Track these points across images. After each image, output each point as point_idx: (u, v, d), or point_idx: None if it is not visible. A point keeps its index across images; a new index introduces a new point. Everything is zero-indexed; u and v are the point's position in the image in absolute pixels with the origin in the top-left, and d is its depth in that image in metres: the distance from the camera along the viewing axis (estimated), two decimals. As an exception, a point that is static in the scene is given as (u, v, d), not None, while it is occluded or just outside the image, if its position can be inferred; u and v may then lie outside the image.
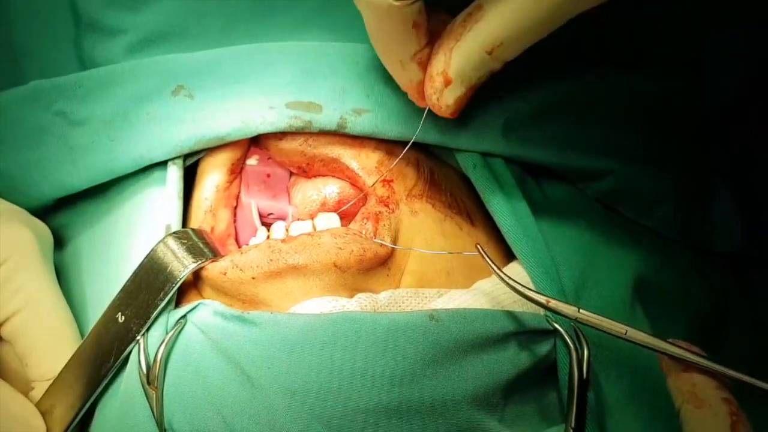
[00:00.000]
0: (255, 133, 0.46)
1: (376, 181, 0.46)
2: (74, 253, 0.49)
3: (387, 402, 0.38)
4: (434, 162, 0.49)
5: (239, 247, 0.47)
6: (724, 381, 0.37)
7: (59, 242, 0.50)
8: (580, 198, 0.50)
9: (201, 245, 0.44)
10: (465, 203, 0.48)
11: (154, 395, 0.40)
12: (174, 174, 0.46)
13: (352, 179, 0.47)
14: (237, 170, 0.48)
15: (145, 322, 0.41)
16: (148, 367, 0.40)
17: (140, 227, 0.45)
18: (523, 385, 0.41)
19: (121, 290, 0.42)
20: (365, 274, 0.43)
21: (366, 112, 0.46)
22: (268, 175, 0.49)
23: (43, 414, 0.43)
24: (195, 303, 0.42)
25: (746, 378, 0.37)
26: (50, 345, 0.43)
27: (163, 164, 0.47)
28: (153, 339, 0.41)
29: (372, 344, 0.39)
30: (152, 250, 0.43)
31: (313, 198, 0.48)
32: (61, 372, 0.42)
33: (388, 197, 0.45)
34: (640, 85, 0.51)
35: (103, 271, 0.46)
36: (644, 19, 0.50)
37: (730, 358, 0.49)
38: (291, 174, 0.50)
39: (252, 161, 0.49)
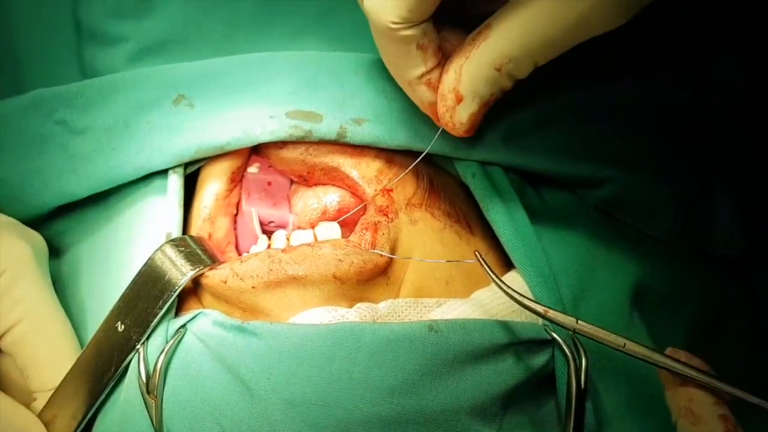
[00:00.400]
0: (255, 143, 0.46)
1: (375, 194, 0.46)
2: (74, 260, 0.49)
3: (386, 413, 0.38)
4: (433, 170, 0.49)
5: (239, 255, 0.47)
6: (723, 396, 0.37)
7: (59, 249, 0.50)
8: (579, 205, 0.51)
9: (199, 252, 0.44)
10: (464, 212, 0.48)
11: (154, 404, 0.40)
12: (174, 182, 0.46)
13: (352, 188, 0.47)
14: (237, 179, 0.48)
15: (145, 331, 0.41)
16: (148, 377, 0.40)
17: (141, 235, 0.46)
18: (522, 396, 0.41)
19: (120, 299, 0.43)
20: (365, 285, 0.43)
21: (366, 122, 0.46)
22: (269, 183, 0.49)
23: (46, 425, 0.43)
24: (195, 312, 0.42)
25: (742, 394, 0.37)
26: (51, 355, 0.43)
27: (163, 173, 0.47)
28: (153, 348, 0.41)
29: (371, 355, 0.39)
30: (150, 258, 0.43)
31: (314, 206, 0.48)
32: (62, 382, 0.43)
33: (387, 206, 0.46)
34: (639, 93, 0.51)
35: (103, 280, 0.46)
36: (645, 27, 0.50)
37: (730, 363, 0.49)
38: (292, 182, 0.50)
39: (253, 169, 0.49)
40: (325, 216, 0.47)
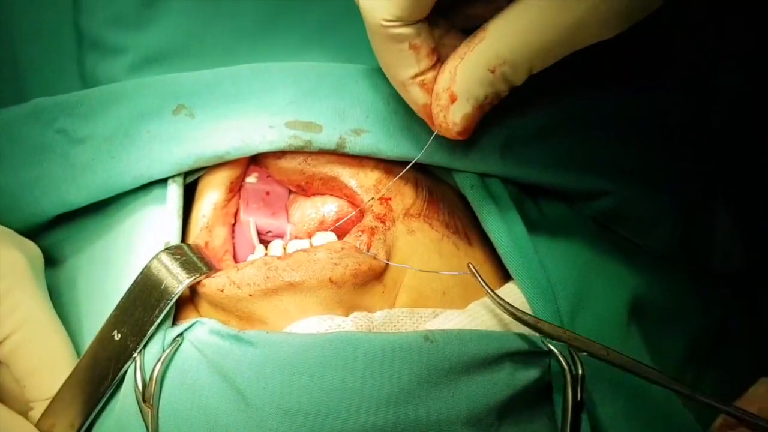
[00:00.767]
0: (254, 152, 0.46)
1: (372, 199, 0.46)
2: (73, 269, 0.49)
3: (382, 422, 0.38)
4: (432, 181, 0.49)
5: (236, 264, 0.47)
6: None
7: (58, 258, 0.51)
8: (577, 217, 0.51)
9: (196, 260, 0.44)
10: (462, 223, 0.48)
11: (150, 413, 0.40)
12: (174, 192, 0.46)
13: (351, 197, 0.47)
14: (236, 188, 0.48)
15: (141, 340, 0.41)
16: (144, 385, 0.40)
17: (139, 244, 0.46)
18: (518, 406, 0.41)
19: (117, 308, 0.43)
20: (361, 290, 0.43)
21: (365, 132, 0.46)
22: (268, 193, 0.49)
23: None
24: (192, 321, 0.42)
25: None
26: (48, 364, 0.43)
27: (163, 182, 0.47)
28: (149, 357, 0.41)
29: (367, 364, 0.39)
30: (146, 266, 0.43)
31: (312, 216, 0.48)
32: (59, 391, 0.43)
33: (385, 214, 0.46)
34: (638, 105, 0.51)
35: (102, 288, 0.46)
36: (645, 34, 0.51)
37: (730, 377, 0.49)
38: (290, 192, 0.50)
39: (251, 179, 0.49)
40: (322, 226, 0.47)
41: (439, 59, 0.42)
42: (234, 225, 0.49)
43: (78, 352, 0.45)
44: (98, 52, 0.53)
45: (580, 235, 0.49)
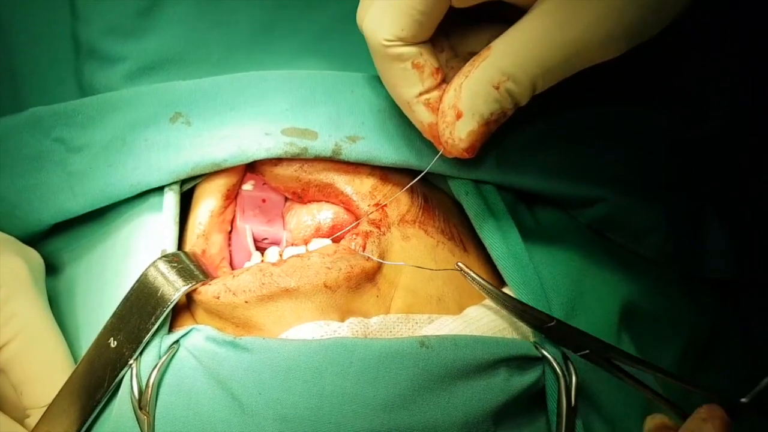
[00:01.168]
0: (251, 160, 0.46)
1: (371, 211, 0.46)
2: (71, 277, 0.49)
3: (377, 428, 0.38)
4: (428, 188, 0.49)
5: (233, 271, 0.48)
6: None
7: (55, 266, 0.51)
8: (571, 224, 0.51)
9: (192, 267, 0.44)
10: (458, 229, 0.49)
11: (146, 420, 0.40)
12: (170, 199, 0.47)
13: (346, 204, 0.47)
14: (232, 196, 0.49)
15: (138, 347, 0.41)
16: (140, 392, 0.40)
17: (136, 252, 0.46)
18: (513, 412, 0.41)
19: (113, 315, 0.43)
20: (355, 293, 0.43)
21: (360, 139, 0.46)
22: (264, 201, 0.50)
23: None
24: (188, 328, 0.42)
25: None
26: (45, 372, 0.43)
27: (159, 190, 0.47)
28: (146, 364, 0.41)
29: (363, 370, 0.39)
30: (143, 274, 0.43)
31: (308, 223, 0.48)
32: (56, 398, 0.42)
33: (380, 220, 0.46)
34: (633, 115, 0.52)
35: (99, 296, 0.46)
36: (641, 51, 0.51)
37: (722, 385, 0.49)
38: (286, 199, 0.50)
39: (247, 186, 0.49)
40: (318, 233, 0.48)
41: (445, 80, 0.43)
42: (230, 232, 0.49)
43: (75, 360, 0.45)
44: (95, 60, 0.53)
45: (574, 242, 0.49)
